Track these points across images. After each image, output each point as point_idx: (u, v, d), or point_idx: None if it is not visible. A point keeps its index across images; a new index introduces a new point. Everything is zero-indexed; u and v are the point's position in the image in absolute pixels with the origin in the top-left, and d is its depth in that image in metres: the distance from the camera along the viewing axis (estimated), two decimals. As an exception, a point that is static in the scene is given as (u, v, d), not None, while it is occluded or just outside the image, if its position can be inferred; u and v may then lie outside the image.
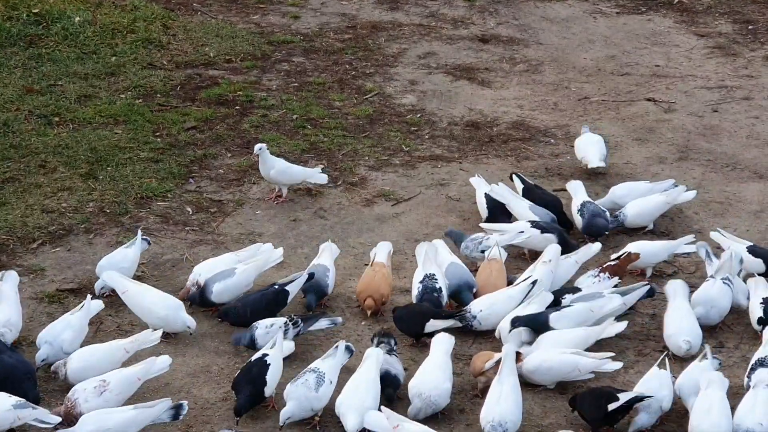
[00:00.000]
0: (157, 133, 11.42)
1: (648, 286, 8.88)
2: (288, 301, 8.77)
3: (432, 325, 8.48)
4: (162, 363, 7.93)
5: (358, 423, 7.55)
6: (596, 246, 9.44)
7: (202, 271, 9.02)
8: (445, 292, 8.86)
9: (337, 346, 8.04)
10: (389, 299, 8.98)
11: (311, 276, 8.89)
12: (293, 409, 7.62)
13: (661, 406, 7.77)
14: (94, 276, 9.13)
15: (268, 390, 7.80)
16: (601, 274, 9.01)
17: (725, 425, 7.49)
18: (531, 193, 10.21)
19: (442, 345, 8.18)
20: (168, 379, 8.10)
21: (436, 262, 9.12)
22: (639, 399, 7.72)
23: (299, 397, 7.65)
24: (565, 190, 10.46)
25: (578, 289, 8.87)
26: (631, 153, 11.45)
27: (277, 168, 10.27)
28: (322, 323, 8.58)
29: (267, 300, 8.69)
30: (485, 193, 10.10)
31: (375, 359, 7.91)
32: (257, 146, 10.21)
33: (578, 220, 9.88)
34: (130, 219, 10.09)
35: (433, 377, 7.88)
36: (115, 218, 10.08)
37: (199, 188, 10.64)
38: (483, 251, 9.40)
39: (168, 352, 8.34)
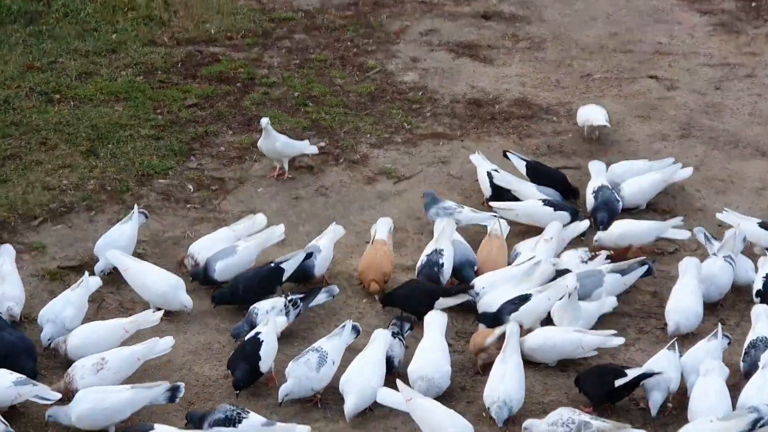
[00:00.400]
0: (158, 111, 11.39)
1: (647, 265, 8.85)
2: (283, 279, 8.73)
3: (441, 303, 8.46)
4: (164, 344, 7.92)
5: (357, 405, 7.55)
6: (584, 223, 9.44)
7: (200, 249, 9.01)
8: (447, 270, 8.84)
9: (344, 326, 8.03)
10: (391, 276, 8.97)
11: (309, 255, 8.87)
12: (292, 387, 7.62)
13: (669, 387, 7.74)
14: (95, 253, 9.12)
15: (264, 365, 7.80)
16: (590, 261, 8.99)
17: (725, 408, 7.50)
18: (535, 168, 10.21)
19: (435, 324, 8.15)
20: (169, 357, 8.10)
21: (450, 238, 9.08)
22: (647, 375, 7.70)
23: (299, 375, 7.65)
24: (567, 168, 10.44)
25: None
26: (633, 130, 11.42)
27: (281, 141, 10.27)
28: (321, 297, 8.58)
29: (261, 278, 8.66)
30: (487, 171, 10.07)
31: (383, 341, 7.90)
32: (263, 120, 10.18)
33: (590, 201, 9.81)
34: (131, 196, 10.07)
35: (433, 360, 7.86)
36: (116, 195, 10.06)
37: (200, 166, 10.62)
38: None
39: (169, 329, 8.36)
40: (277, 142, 10.22)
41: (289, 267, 8.74)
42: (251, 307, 8.35)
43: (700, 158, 10.98)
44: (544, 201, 9.68)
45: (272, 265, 8.75)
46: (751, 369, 7.85)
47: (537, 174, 10.16)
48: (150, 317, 8.21)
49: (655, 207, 10.06)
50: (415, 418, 7.38)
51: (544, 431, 7.26)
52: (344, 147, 11.00)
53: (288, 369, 7.72)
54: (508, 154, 10.35)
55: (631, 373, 7.67)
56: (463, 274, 8.94)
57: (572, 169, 10.57)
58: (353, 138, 11.16)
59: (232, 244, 8.96)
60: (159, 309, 8.33)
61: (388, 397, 7.54)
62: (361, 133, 11.26)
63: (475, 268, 9.00)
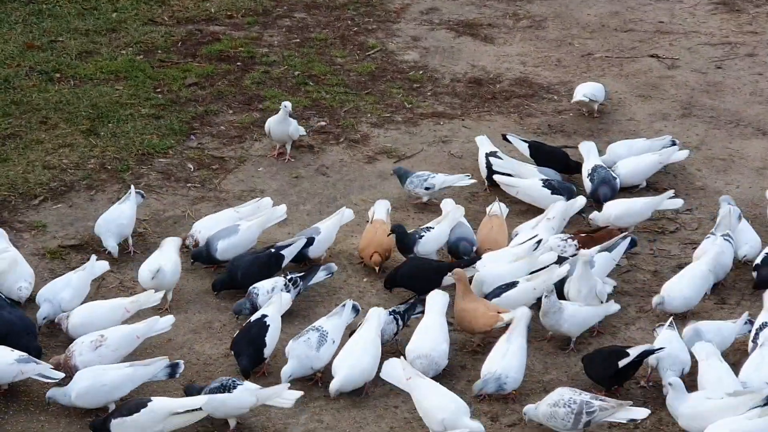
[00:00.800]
0: (158, 90, 11.37)
1: (629, 238, 8.81)
2: (283, 265, 8.71)
3: (448, 279, 8.46)
4: (164, 323, 7.93)
5: (343, 382, 7.57)
6: (580, 200, 9.44)
7: (201, 228, 9.02)
8: (426, 243, 8.84)
9: (344, 305, 8.04)
10: (392, 254, 8.97)
11: (310, 241, 8.86)
12: (294, 366, 7.62)
13: (684, 369, 7.72)
14: (96, 232, 9.11)
15: (268, 350, 7.81)
16: (569, 240, 8.93)
17: (733, 383, 7.53)
18: (537, 149, 10.20)
19: (437, 304, 8.14)
20: (170, 335, 8.11)
21: (453, 223, 9.07)
22: (650, 352, 7.71)
23: (299, 355, 7.65)
24: (568, 147, 10.43)
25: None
26: (634, 110, 11.40)
27: (294, 125, 10.25)
28: (320, 275, 8.58)
29: (260, 263, 8.62)
30: (486, 154, 10.04)
31: (376, 319, 7.91)
32: (286, 104, 10.12)
33: (587, 185, 9.80)
34: (131, 175, 10.06)
35: (431, 338, 7.86)
36: (117, 175, 10.05)
37: (201, 145, 10.60)
38: (427, 188, 9.51)
39: (170, 307, 8.35)
40: (290, 127, 10.20)
41: (289, 254, 8.73)
42: (251, 288, 8.35)
43: (701, 137, 10.96)
44: (543, 182, 9.67)
45: (272, 250, 8.73)
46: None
47: (540, 154, 10.15)
48: (152, 297, 8.21)
49: (656, 186, 10.05)
50: (413, 397, 7.39)
51: (544, 412, 7.26)
52: (345, 126, 10.98)
53: (288, 348, 7.74)
54: (508, 137, 10.33)
55: (633, 352, 7.68)
56: (459, 249, 8.92)
57: (573, 148, 10.55)
58: (354, 117, 11.14)
59: (233, 224, 8.95)
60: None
61: (392, 372, 7.54)
62: (362, 112, 11.24)
63: (474, 248, 8.99)
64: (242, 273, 8.53)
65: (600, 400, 7.26)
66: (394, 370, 7.53)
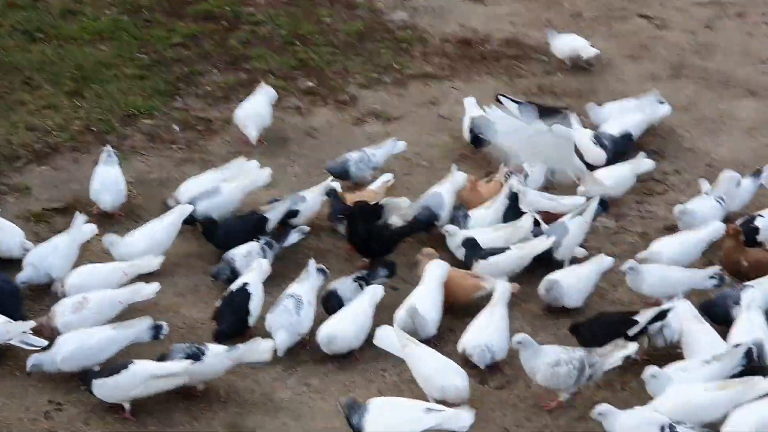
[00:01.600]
0: (143, 50, 11.24)
1: (599, 199, 8.68)
2: (267, 229, 8.63)
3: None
4: (149, 290, 7.85)
5: (329, 341, 7.56)
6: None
7: (185, 189, 8.93)
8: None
9: (307, 269, 7.93)
10: None
11: (294, 213, 8.72)
12: (284, 338, 7.53)
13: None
14: (81, 194, 9.03)
15: (252, 319, 7.75)
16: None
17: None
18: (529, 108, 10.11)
19: (434, 274, 8.03)
20: (156, 299, 8.03)
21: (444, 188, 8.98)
22: (657, 318, 7.59)
23: (284, 324, 7.57)
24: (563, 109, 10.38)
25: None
26: (623, 70, 11.33)
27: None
28: (293, 237, 8.52)
29: (245, 227, 8.54)
30: (471, 118, 9.92)
31: (371, 294, 7.86)
32: (267, 89, 10.02)
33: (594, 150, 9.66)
34: (116, 137, 9.96)
35: (424, 305, 7.78)
36: (101, 136, 9.94)
37: (186, 106, 10.50)
38: (374, 168, 9.32)
39: (156, 272, 8.26)
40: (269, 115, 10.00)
41: (273, 217, 8.64)
42: (227, 255, 8.25)
43: (691, 98, 10.91)
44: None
45: (257, 215, 8.63)
46: None
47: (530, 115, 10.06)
48: (151, 261, 8.14)
49: (644, 148, 9.99)
50: (409, 365, 7.34)
51: (545, 374, 7.20)
52: (332, 87, 10.89)
53: (269, 322, 7.63)
54: (500, 98, 10.22)
55: (642, 319, 7.56)
56: (421, 215, 8.77)
57: (563, 110, 10.48)
58: (341, 78, 11.05)
59: (216, 186, 8.86)
60: None
61: (384, 339, 7.49)
62: (350, 73, 11.15)
63: (443, 215, 8.82)
64: (225, 235, 8.44)
65: (592, 353, 7.22)
66: (388, 338, 7.48)
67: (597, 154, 9.53)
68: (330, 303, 7.90)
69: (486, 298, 7.93)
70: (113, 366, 7.16)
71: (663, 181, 9.66)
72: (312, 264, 7.98)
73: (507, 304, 7.84)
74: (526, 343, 7.25)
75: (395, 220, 8.63)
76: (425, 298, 7.86)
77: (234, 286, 7.91)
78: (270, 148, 9.95)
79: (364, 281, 8.06)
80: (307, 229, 8.61)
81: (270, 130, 10.12)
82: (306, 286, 7.84)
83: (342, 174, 9.29)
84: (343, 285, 8.00)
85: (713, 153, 10.10)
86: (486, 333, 7.60)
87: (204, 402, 7.25)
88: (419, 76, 11.14)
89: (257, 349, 7.32)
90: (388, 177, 9.26)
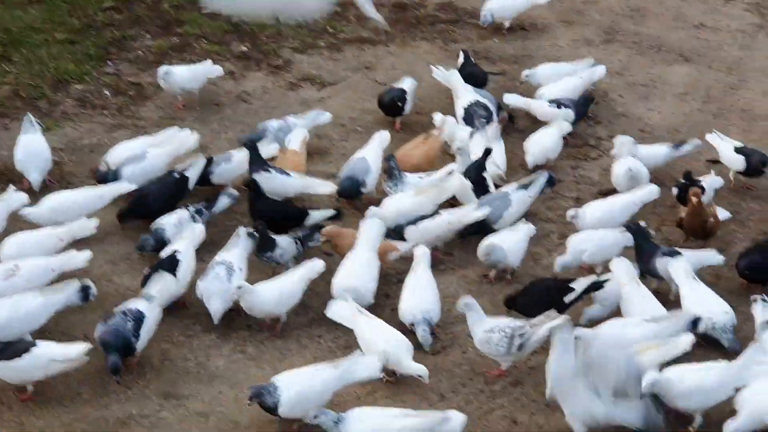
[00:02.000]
0: (74, 14, 11.05)
1: (546, 175, 8.72)
2: (190, 187, 8.53)
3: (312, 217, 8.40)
4: (81, 258, 7.75)
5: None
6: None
7: (114, 155, 8.81)
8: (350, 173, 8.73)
9: (238, 234, 7.88)
10: None
11: (209, 160, 8.65)
12: (217, 305, 7.47)
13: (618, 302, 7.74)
14: (10, 162, 8.86)
15: (180, 285, 7.63)
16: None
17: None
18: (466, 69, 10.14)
19: (369, 235, 8.00)
20: (88, 267, 7.94)
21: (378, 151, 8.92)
22: (597, 285, 7.66)
23: (217, 292, 7.51)
24: (493, 73, 10.37)
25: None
26: (557, 35, 11.36)
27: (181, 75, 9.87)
28: (224, 201, 8.44)
29: (168, 189, 8.44)
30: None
31: (309, 268, 7.74)
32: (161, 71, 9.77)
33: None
34: (46, 103, 9.81)
35: (358, 273, 7.74)
36: (31, 102, 9.79)
37: (118, 71, 10.36)
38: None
39: (89, 239, 8.16)
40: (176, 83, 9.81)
41: (193, 174, 8.53)
42: (155, 225, 8.16)
43: (624, 63, 10.97)
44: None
45: (175, 175, 8.53)
46: None
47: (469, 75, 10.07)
48: (87, 225, 8.04)
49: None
50: (356, 332, 7.32)
51: (481, 339, 7.25)
52: (266, 52, 10.79)
53: (201, 290, 7.56)
54: (463, 53, 10.22)
55: (578, 286, 7.63)
56: (343, 185, 8.71)
57: (498, 75, 10.49)
58: (275, 42, 10.95)
59: (143, 151, 8.74)
60: None
61: (337, 311, 7.45)
62: (284, 37, 11.05)
63: (368, 181, 8.76)
64: (153, 199, 8.34)
65: (527, 323, 7.25)
66: (342, 310, 7.44)
67: (565, 114, 9.58)
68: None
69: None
70: (16, 348, 6.97)
71: (597, 146, 9.72)
72: (242, 230, 7.91)
73: (428, 266, 7.84)
74: (471, 305, 7.31)
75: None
76: (360, 267, 7.82)
77: (164, 252, 7.84)
78: (203, 113, 9.86)
79: (299, 240, 8.02)
80: (236, 193, 8.52)
81: (203, 96, 10.01)
82: (236, 253, 7.78)
83: (252, 140, 9.03)
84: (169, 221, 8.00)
85: (646, 118, 10.17)
86: (422, 302, 7.60)
87: (137, 370, 7.19)
88: (354, 41, 11.08)
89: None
90: (303, 133, 9.12)
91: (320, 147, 9.42)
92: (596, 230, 8.25)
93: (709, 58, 11.19)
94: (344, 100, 10.20)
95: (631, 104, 10.36)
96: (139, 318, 7.13)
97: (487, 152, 8.76)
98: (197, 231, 8.00)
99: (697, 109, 10.38)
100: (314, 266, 7.74)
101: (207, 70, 9.94)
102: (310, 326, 7.68)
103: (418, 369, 7.05)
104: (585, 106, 9.83)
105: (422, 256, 7.86)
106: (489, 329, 7.22)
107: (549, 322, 7.14)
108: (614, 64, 10.84)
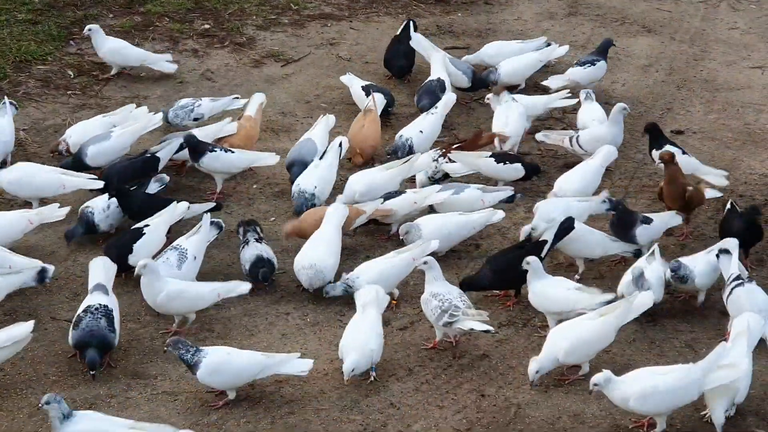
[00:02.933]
0: (35, -7, 10.99)
1: (511, 192, 8.57)
2: (159, 168, 8.48)
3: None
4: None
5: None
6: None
7: (72, 133, 8.75)
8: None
9: (200, 225, 7.76)
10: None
11: (183, 144, 8.57)
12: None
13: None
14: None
15: (134, 259, 7.60)
16: (440, 159, 8.71)
17: None
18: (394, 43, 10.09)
19: (334, 217, 8.00)
20: (53, 248, 7.92)
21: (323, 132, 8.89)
22: (567, 227, 7.74)
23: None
24: (457, 47, 10.38)
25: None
26: (521, 9, 11.37)
27: (108, 47, 9.86)
28: (153, 186, 8.26)
29: (134, 169, 8.39)
30: (362, 86, 9.64)
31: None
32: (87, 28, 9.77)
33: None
34: (8, 84, 9.74)
35: (319, 251, 7.72)
36: (-6, 83, 9.75)
37: (81, 51, 10.30)
38: (196, 119, 9.12)
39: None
40: (101, 50, 9.78)
41: (164, 156, 8.53)
42: (84, 208, 8.06)
43: (587, 36, 11.00)
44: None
45: (147, 154, 8.52)
46: None
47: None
48: (56, 211, 8.00)
49: (545, 87, 10.08)
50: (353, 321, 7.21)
51: (424, 298, 7.32)
52: (230, 29, 10.75)
53: None
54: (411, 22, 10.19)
55: (549, 236, 7.67)
56: (291, 171, 8.67)
57: (462, 49, 10.50)
58: (239, 20, 10.91)
59: (107, 131, 8.69)
60: None
61: (361, 295, 7.31)
62: (247, 14, 11.01)
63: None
64: (118, 179, 8.26)
65: (469, 308, 7.29)
66: (363, 296, 7.29)
67: None
68: (264, 267, 7.71)
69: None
70: None
71: (562, 120, 9.74)
72: (206, 218, 7.82)
73: (339, 224, 7.86)
74: (431, 264, 7.36)
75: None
76: (321, 244, 7.79)
77: (139, 224, 7.80)
78: (167, 92, 9.82)
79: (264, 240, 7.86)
80: (167, 178, 8.39)
81: (166, 74, 9.96)
82: (195, 240, 7.70)
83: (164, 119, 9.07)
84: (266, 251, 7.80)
85: (610, 90, 10.21)
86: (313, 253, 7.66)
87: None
88: (317, 17, 11.06)
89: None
90: (261, 98, 9.07)
91: (285, 124, 9.41)
92: (563, 198, 8.29)
93: (671, 29, 11.24)
94: (308, 76, 10.18)
95: (595, 76, 10.39)
96: (108, 313, 6.99)
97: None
98: (179, 209, 7.93)
99: (661, 80, 10.43)
100: (235, 287, 7.48)
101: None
102: (278, 303, 7.68)
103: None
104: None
105: (332, 214, 7.90)
106: (433, 294, 7.28)
107: (474, 321, 7.16)
108: (578, 37, 10.87)
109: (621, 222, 8.02)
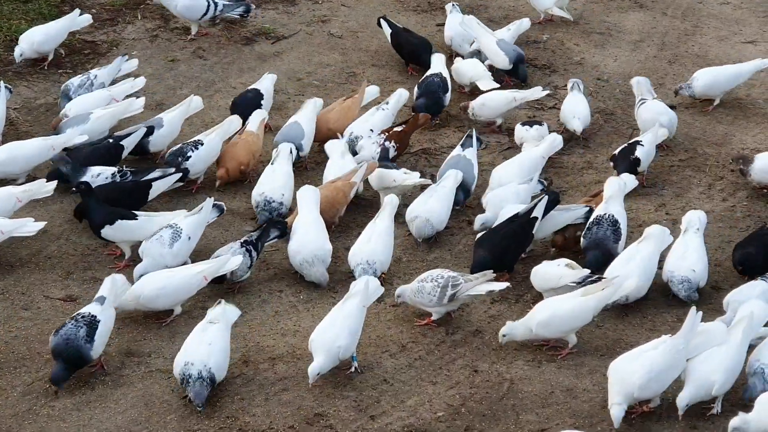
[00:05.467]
0: (25, -28, 10.93)
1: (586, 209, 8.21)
2: (123, 155, 8.39)
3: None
4: (33, 226, 7.69)
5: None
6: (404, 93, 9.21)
7: (73, 107, 8.73)
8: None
9: (202, 206, 7.72)
10: (249, 167, 8.50)
11: (150, 130, 8.51)
12: (147, 265, 7.41)
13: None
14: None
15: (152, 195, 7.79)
16: (386, 143, 8.57)
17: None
18: (398, 36, 9.95)
19: (309, 199, 7.87)
20: (47, 226, 7.90)
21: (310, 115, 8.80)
22: (554, 199, 7.83)
23: (153, 254, 7.45)
24: (441, 24, 10.34)
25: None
26: (510, -15, 11.35)
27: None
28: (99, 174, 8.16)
29: (99, 155, 8.28)
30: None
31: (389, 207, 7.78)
32: None
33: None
34: (0, 63, 9.71)
35: (314, 238, 7.63)
36: (-15, 62, 9.71)
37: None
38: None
39: (47, 199, 8.12)
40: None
41: (129, 143, 8.40)
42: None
43: (579, 11, 10.98)
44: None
45: (110, 141, 8.39)
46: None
47: (399, 43, 9.91)
48: (44, 187, 7.97)
49: (536, 63, 10.07)
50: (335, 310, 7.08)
51: (412, 288, 7.32)
52: (221, 7, 10.70)
53: (141, 248, 7.52)
54: (382, 21, 10.08)
55: (538, 212, 7.68)
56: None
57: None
58: (229, -3, 10.86)
59: (86, 112, 8.64)
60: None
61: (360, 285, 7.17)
62: (238, -8, 10.97)
63: (304, 144, 8.60)
64: (83, 164, 8.16)
65: (465, 275, 7.32)
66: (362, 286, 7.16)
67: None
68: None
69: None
70: None
71: (554, 95, 9.73)
72: (209, 200, 7.77)
73: (392, 215, 7.81)
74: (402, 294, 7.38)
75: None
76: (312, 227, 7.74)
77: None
78: (158, 70, 9.79)
79: (252, 246, 7.59)
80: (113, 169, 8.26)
81: (158, 52, 9.95)
82: (192, 220, 7.67)
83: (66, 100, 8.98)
84: None
85: (602, 66, 10.20)
86: (367, 248, 7.62)
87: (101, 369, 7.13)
88: (308, -6, 11.03)
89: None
90: (263, 115, 8.85)
91: (277, 101, 9.39)
92: (508, 185, 8.15)
93: (663, 4, 11.22)
94: (300, 54, 10.16)
95: (587, 52, 10.38)
96: (92, 322, 6.79)
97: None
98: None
99: (653, 55, 10.42)
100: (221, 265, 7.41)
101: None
102: (271, 281, 7.69)
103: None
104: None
105: (387, 204, 7.86)
106: (422, 279, 7.29)
107: (487, 284, 7.23)
108: (570, 12, 10.83)
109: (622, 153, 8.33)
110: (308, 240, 7.61)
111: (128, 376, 6.87)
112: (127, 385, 6.79)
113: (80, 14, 9.81)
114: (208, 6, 10.00)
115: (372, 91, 9.18)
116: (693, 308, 6.73)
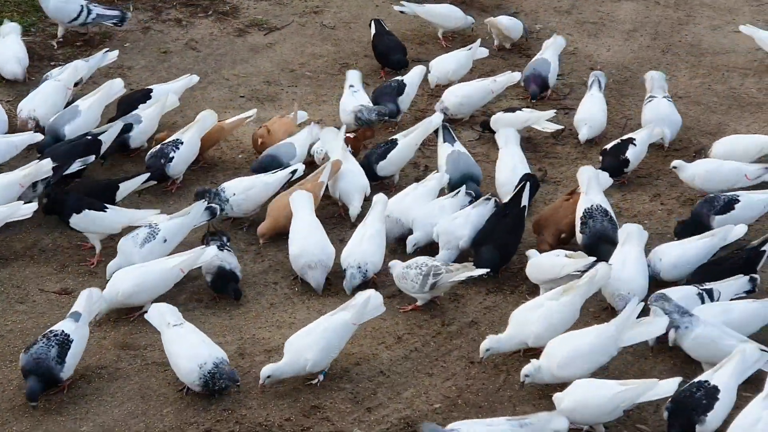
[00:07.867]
0: (17, -37, 10.88)
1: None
2: (101, 151, 8.26)
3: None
4: (26, 210, 7.67)
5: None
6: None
7: (35, 106, 8.64)
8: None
9: (191, 208, 7.64)
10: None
11: (128, 127, 8.44)
12: (119, 263, 7.35)
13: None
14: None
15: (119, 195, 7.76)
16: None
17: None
18: (376, 38, 9.87)
19: (303, 203, 7.77)
20: (42, 219, 7.87)
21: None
22: (535, 184, 7.94)
23: (124, 251, 7.39)
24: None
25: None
26: (503, -24, 11.34)
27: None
28: (75, 165, 8.08)
29: (78, 152, 8.16)
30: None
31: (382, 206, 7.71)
32: None
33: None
34: (-8, 57, 9.68)
35: (315, 242, 7.54)
36: (-24, 55, 9.65)
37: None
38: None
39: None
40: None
41: (107, 138, 8.28)
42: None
43: (572, 2, 10.98)
44: None
45: (89, 137, 8.27)
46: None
47: (376, 45, 9.86)
48: (43, 167, 7.88)
49: (528, 53, 10.07)
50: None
51: (398, 273, 7.37)
52: (213, -2, 10.71)
53: (119, 244, 7.47)
54: (372, 22, 10.03)
55: (525, 201, 7.72)
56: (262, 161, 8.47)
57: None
58: (222, -12, 10.85)
59: (73, 105, 8.56)
60: None
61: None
62: (230, -17, 10.96)
63: None
64: (63, 162, 8.06)
65: (448, 265, 7.35)
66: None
67: None
68: (231, 281, 7.43)
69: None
70: None
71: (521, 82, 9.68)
72: (201, 204, 7.67)
73: (383, 215, 7.72)
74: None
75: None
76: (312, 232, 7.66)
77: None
78: (151, 62, 9.77)
79: (227, 247, 7.57)
80: (91, 158, 8.19)
81: (150, 44, 9.92)
82: (175, 222, 7.57)
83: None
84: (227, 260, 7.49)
85: (595, 55, 10.20)
86: (359, 249, 7.55)
87: (95, 323, 7.16)
88: (301, -15, 11.01)
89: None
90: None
91: (270, 93, 9.39)
92: (434, 202, 8.01)
93: (656, -6, 11.24)
94: (292, 45, 10.15)
95: (580, 42, 10.38)
96: (64, 342, 6.60)
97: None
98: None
99: (646, 45, 10.43)
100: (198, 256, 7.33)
101: None
102: (266, 273, 7.69)
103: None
104: None
105: (377, 203, 7.80)
106: (407, 265, 7.32)
107: (467, 271, 7.26)
108: (563, 2, 10.85)
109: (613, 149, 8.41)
110: (310, 244, 7.55)
111: (124, 369, 6.86)
112: (123, 378, 6.79)
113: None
114: (81, 10, 9.73)
115: (302, 114, 8.93)
116: (635, 298, 6.73)
